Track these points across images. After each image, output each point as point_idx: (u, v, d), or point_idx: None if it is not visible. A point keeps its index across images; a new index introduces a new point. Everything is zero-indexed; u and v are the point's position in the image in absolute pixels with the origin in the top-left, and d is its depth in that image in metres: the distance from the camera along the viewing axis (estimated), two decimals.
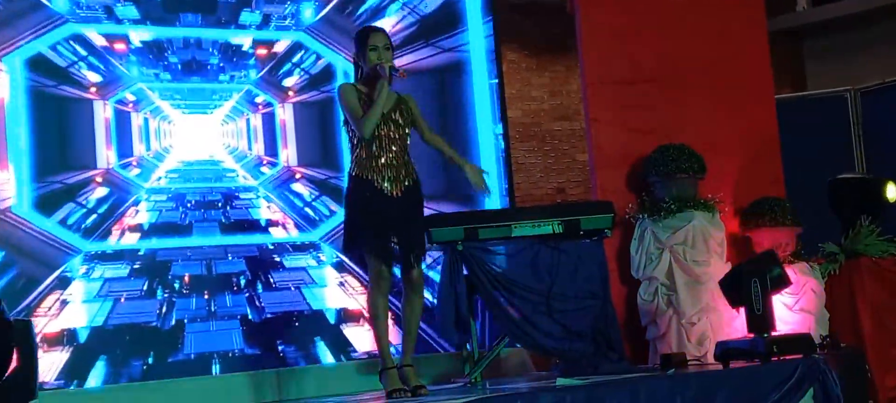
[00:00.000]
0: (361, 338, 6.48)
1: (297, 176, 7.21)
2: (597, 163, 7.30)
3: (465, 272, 6.21)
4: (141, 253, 6.58)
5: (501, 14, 8.38)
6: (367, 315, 5.39)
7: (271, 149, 7.10)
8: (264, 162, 7.19)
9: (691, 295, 6.71)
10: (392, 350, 5.63)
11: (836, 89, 9.70)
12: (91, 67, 6.79)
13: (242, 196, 6.95)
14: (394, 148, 5.47)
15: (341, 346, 6.56)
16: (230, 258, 6.70)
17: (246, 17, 6.97)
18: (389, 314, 5.59)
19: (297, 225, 7.11)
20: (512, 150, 8.69)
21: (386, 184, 5.42)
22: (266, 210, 6.98)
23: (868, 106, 9.48)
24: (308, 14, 7.00)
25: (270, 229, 6.90)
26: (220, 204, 6.90)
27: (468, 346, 6.41)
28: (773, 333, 6.08)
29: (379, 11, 7.41)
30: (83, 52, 6.81)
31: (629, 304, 7.02)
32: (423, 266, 5.68)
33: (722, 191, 7.05)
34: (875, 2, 10.10)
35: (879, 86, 9.45)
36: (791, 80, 10.65)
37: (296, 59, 7.31)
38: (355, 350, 6.59)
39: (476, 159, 7.42)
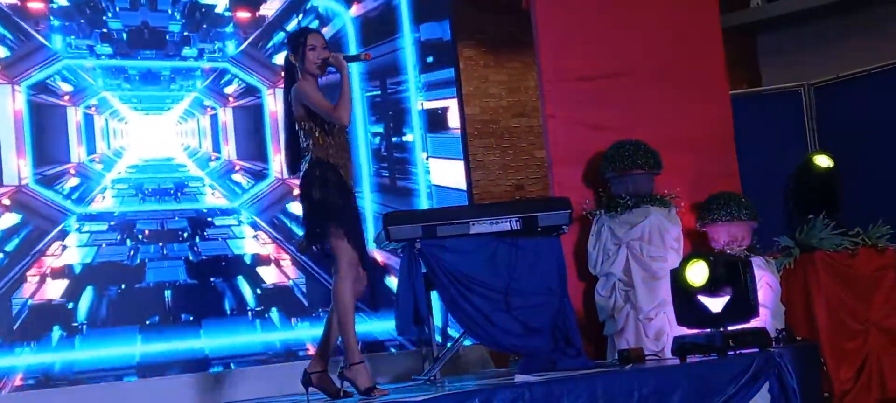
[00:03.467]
0: (269, 274, 7.16)
1: (237, 167, 7.37)
2: (554, 159, 7.32)
3: (423, 269, 6.20)
4: (115, 215, 6.90)
5: (458, 10, 8.40)
6: (334, 305, 5.29)
7: (255, 152, 7.44)
8: (238, 168, 7.34)
9: (648, 291, 6.75)
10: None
11: (790, 84, 9.78)
12: (64, 80, 6.85)
13: (191, 184, 7.25)
14: (347, 140, 5.48)
15: (255, 280, 7.09)
16: (177, 219, 7.05)
17: (187, 51, 7.20)
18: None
19: (297, 263, 7.37)
20: (470, 148, 8.71)
21: (346, 175, 5.40)
22: (252, 243, 7.31)
23: (822, 101, 9.56)
24: (231, 48, 7.30)
25: (259, 270, 7.29)
26: (172, 191, 7.17)
27: (427, 343, 6.41)
28: (730, 328, 6.13)
29: (281, 46, 7.41)
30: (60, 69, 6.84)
31: (587, 300, 7.05)
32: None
33: (678, 187, 7.09)
34: None
35: (833, 80, 9.53)
36: (746, 76, 10.72)
37: (291, 25, 7.51)
38: (265, 283, 7.11)
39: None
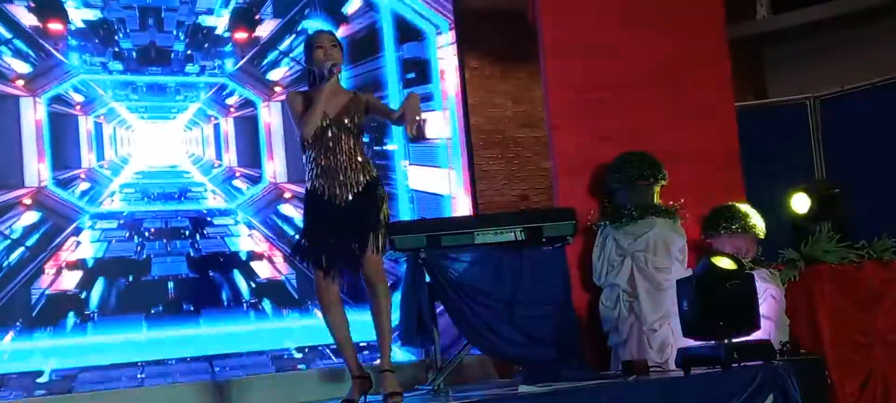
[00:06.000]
0: (263, 269, 7.45)
1: (288, 195, 7.62)
2: (559, 170, 7.32)
3: (427, 279, 6.20)
4: (124, 214, 7.19)
5: (464, 21, 8.40)
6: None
7: (251, 159, 7.67)
8: (238, 174, 7.52)
9: (653, 302, 6.74)
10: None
11: (796, 97, 9.76)
12: (18, 54, 6.94)
13: (194, 189, 7.49)
14: (340, 151, 5.36)
15: (249, 274, 7.40)
16: (180, 219, 7.33)
17: (190, 68, 7.45)
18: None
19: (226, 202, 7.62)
20: (475, 158, 8.70)
21: (336, 189, 5.32)
22: (247, 240, 7.54)
23: (828, 113, 9.54)
24: (229, 65, 7.55)
25: (253, 264, 7.54)
26: (176, 196, 7.40)
27: (431, 353, 6.41)
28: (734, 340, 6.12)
29: (275, 64, 7.70)
30: (7, 34, 6.88)
31: (591, 311, 7.05)
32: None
33: (683, 198, 7.08)
34: (834, 10, 10.17)
35: (839, 93, 9.51)
36: (751, 88, 10.70)
37: (284, 45, 7.73)
38: (258, 277, 7.41)
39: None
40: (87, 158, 7.08)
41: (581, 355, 6.44)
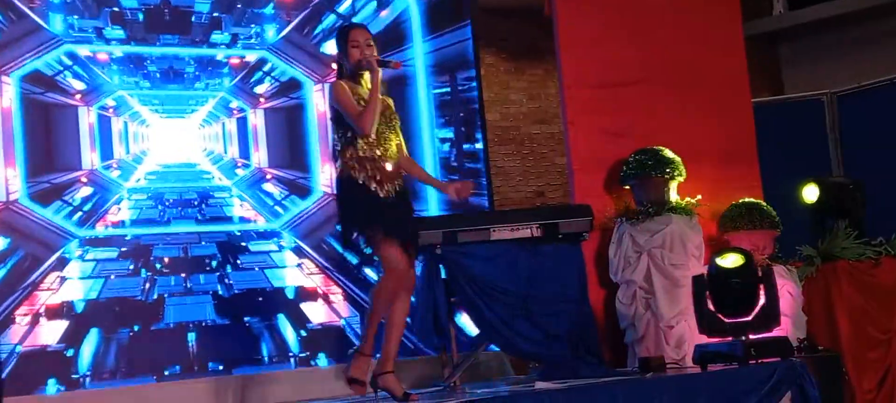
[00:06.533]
0: (317, 311, 6.53)
1: (268, 176, 7.12)
2: (575, 166, 7.30)
3: (443, 275, 6.20)
4: (127, 238, 6.46)
5: (479, 17, 8.39)
6: (370, 301, 5.22)
7: (244, 151, 7.12)
8: (239, 164, 7.16)
9: (669, 299, 6.72)
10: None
11: (812, 93, 9.74)
12: (76, 76, 6.71)
13: (216, 194, 6.92)
14: (388, 146, 5.34)
15: (299, 319, 6.54)
16: (203, 243, 6.62)
17: (216, 37, 6.87)
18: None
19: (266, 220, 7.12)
20: (490, 154, 8.69)
21: (384, 184, 5.26)
22: (239, 208, 6.95)
23: (844, 109, 9.51)
24: (271, 34, 6.91)
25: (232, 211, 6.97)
26: (196, 202, 6.89)
27: (447, 349, 6.41)
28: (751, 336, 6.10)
29: (332, 33, 7.17)
30: (69, 62, 6.70)
31: (608, 307, 7.03)
32: None
33: (700, 195, 7.06)
34: (851, 5, 10.13)
35: (856, 89, 9.48)
36: (768, 84, 10.67)
37: (266, 68, 7.27)
38: (311, 322, 6.59)
39: (423, 164, 7.30)
40: (90, 158, 6.60)
41: (597, 351, 6.43)
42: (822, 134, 9.53)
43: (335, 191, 5.30)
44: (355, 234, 5.26)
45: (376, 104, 5.25)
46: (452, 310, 6.37)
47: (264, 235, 6.74)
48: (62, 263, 6.08)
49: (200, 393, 6.43)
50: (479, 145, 7.70)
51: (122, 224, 6.67)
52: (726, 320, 6.13)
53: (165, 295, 6.25)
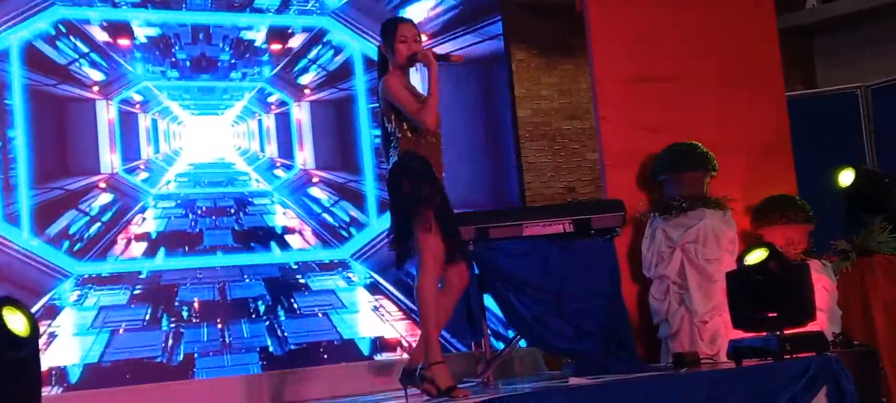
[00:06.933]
0: (295, 240, 6.66)
1: (315, 179, 7.30)
2: (607, 161, 7.28)
3: (476, 271, 6.20)
4: (143, 275, 6.55)
5: (510, 13, 8.37)
6: (417, 306, 5.15)
7: (286, 150, 7.27)
8: (278, 164, 7.27)
9: (703, 294, 6.69)
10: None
11: (846, 86, 9.67)
12: (94, 65, 6.91)
13: (256, 201, 7.08)
14: (439, 138, 5.33)
15: (284, 245, 6.64)
16: (247, 279, 6.69)
17: (233, 74, 7.06)
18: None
19: (317, 234, 7.17)
20: (522, 150, 8.68)
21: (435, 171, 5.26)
22: (282, 217, 7.12)
23: (879, 102, 9.45)
24: (267, 71, 7.09)
25: (287, 237, 7.06)
26: (232, 211, 7.00)
27: (479, 346, 6.41)
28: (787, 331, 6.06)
29: (305, 70, 7.40)
30: (85, 49, 6.89)
31: (641, 303, 7.00)
32: None
33: (733, 189, 7.02)
34: None
35: (890, 82, 9.41)
36: (801, 78, 10.62)
37: (312, 54, 7.41)
38: (291, 247, 6.73)
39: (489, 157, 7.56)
40: (146, 151, 7.15)
41: (631, 347, 6.41)
42: (856, 127, 9.47)
43: (399, 167, 5.20)
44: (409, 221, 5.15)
45: (437, 99, 5.21)
46: (484, 306, 6.37)
47: (262, 194, 6.92)
48: (143, 210, 6.61)
49: (236, 391, 6.51)
50: None
51: (147, 236, 6.90)
52: (761, 315, 6.09)
53: (195, 354, 6.23)
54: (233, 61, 7.33)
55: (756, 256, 6.16)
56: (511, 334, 6.61)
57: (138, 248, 6.97)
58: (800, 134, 7.83)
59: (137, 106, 7.10)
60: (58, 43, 6.89)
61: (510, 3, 8.58)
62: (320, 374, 6.71)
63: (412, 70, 5.43)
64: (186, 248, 7.03)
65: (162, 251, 6.92)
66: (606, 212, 6.47)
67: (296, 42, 7.57)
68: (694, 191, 6.91)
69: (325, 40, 7.65)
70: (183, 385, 6.49)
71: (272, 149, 7.41)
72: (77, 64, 6.92)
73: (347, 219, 7.35)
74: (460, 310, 6.10)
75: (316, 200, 7.40)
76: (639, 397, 5.25)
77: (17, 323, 4.31)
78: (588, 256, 6.36)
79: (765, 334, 6.06)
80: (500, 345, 6.84)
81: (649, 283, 6.94)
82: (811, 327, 6.19)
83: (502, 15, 8.08)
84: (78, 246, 6.74)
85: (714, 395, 5.45)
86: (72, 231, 6.75)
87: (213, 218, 7.12)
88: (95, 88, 7.00)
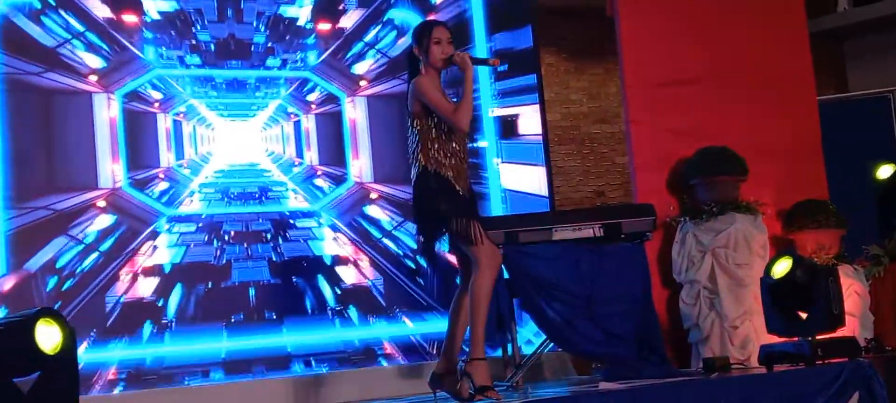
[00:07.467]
0: (348, 274, 7.11)
1: (373, 196, 7.29)
2: (637, 165, 7.27)
3: (505, 275, 6.20)
4: (203, 216, 6.87)
5: (539, 17, 8.36)
6: (476, 301, 5.17)
7: (334, 157, 7.36)
8: (319, 173, 7.21)
9: (734, 299, 6.67)
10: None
11: (878, 90, 9.63)
12: (90, 48, 6.64)
13: (299, 223, 7.15)
14: (465, 144, 5.32)
15: (335, 280, 7.06)
16: (261, 221, 7.01)
17: (270, 61, 7.13)
18: None
19: (377, 265, 7.24)
20: (551, 154, 8.67)
21: (462, 181, 5.23)
22: (331, 243, 7.20)
23: None
24: (312, 58, 7.19)
25: (338, 269, 7.17)
26: (268, 236, 7.04)
27: (509, 349, 6.41)
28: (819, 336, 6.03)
29: (360, 56, 7.31)
30: (79, 27, 6.57)
31: (671, 308, 6.99)
32: None
33: (764, 194, 7.00)
34: None
35: None
36: (833, 82, 10.56)
37: (370, 37, 7.36)
38: (344, 283, 7.06)
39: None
40: (166, 157, 6.76)
41: (661, 352, 6.39)
42: (888, 131, 9.41)
43: (419, 185, 5.19)
44: (444, 229, 5.19)
45: (471, 101, 5.21)
46: (514, 310, 6.36)
47: (307, 214, 7.14)
48: (154, 235, 6.70)
49: (270, 392, 6.53)
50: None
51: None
52: (793, 321, 6.06)
53: (232, 260, 6.86)
54: (270, 45, 7.08)
55: (781, 268, 6.11)
56: (540, 338, 6.60)
57: (147, 286, 6.57)
58: (831, 137, 7.80)
59: (157, 104, 6.77)
60: (44, 19, 6.36)
61: (539, 7, 8.57)
62: (349, 377, 6.73)
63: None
64: (209, 285, 6.75)
65: (178, 287, 6.66)
66: (637, 217, 6.45)
67: (349, 21, 7.27)
68: (726, 196, 6.89)
69: (385, 19, 7.40)
70: (224, 388, 6.60)
71: (312, 156, 7.19)
72: (69, 46, 6.41)
73: (415, 246, 7.16)
74: (490, 314, 6.10)
75: (319, 188, 7.18)
76: (669, 401, 5.24)
77: (51, 336, 4.36)
78: (618, 261, 6.34)
79: (796, 339, 6.03)
80: (530, 349, 6.83)
81: (679, 288, 6.93)
82: (843, 332, 6.16)
83: (532, 19, 7.92)
84: (68, 283, 6.37)
85: (745, 400, 5.43)
86: (60, 263, 6.33)
87: (243, 201, 6.96)
88: (93, 78, 6.49)
